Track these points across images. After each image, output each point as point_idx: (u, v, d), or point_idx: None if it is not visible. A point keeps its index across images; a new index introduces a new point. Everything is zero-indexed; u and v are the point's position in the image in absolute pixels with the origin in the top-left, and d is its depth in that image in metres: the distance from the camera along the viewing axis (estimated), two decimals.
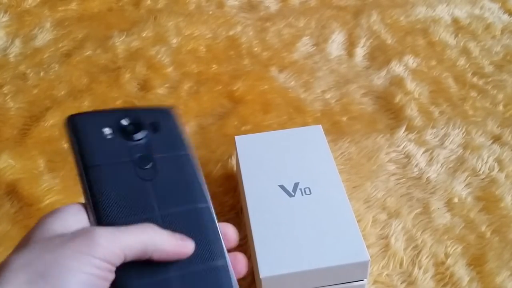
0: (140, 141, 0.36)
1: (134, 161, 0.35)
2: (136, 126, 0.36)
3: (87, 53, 0.99)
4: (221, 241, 0.35)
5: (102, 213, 0.33)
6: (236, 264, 0.36)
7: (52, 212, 0.33)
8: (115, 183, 0.34)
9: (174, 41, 1.01)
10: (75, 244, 0.30)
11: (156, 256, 0.32)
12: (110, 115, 0.36)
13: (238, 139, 0.68)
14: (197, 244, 0.34)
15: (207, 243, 0.34)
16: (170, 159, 0.36)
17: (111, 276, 0.31)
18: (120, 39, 1.02)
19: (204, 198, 0.36)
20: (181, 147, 0.38)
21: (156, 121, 0.37)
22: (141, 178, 0.35)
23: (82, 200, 0.69)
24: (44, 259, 0.29)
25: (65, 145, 0.81)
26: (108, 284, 0.31)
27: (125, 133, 0.36)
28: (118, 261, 0.31)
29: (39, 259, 0.29)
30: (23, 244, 0.31)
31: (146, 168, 0.35)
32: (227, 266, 0.35)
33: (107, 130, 0.35)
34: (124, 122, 0.36)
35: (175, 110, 0.39)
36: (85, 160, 0.34)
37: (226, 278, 0.34)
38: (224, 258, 0.35)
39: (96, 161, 0.34)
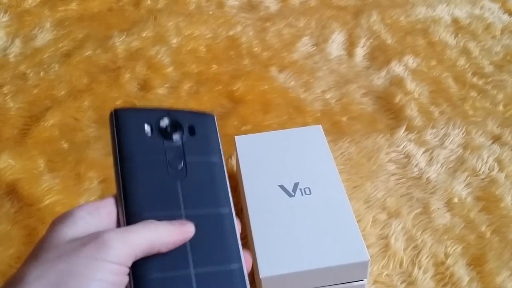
0: (176, 142, 0.38)
1: (167, 159, 0.37)
2: (175, 127, 0.38)
3: (87, 53, 0.99)
4: (238, 245, 0.37)
5: (130, 203, 0.34)
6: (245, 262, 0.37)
7: (61, 217, 0.33)
8: (147, 177, 0.35)
9: (174, 41, 1.01)
10: (87, 250, 0.30)
11: (163, 249, 0.33)
12: (153, 113, 0.38)
13: (238, 139, 0.68)
14: (216, 247, 0.36)
15: (225, 247, 0.36)
16: (201, 163, 0.38)
17: (125, 280, 0.31)
18: (120, 39, 1.02)
19: (228, 204, 0.38)
20: (213, 153, 0.39)
21: (195, 125, 0.39)
22: (171, 176, 0.37)
23: (82, 201, 0.69)
24: (58, 269, 0.29)
25: (65, 145, 0.81)
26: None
27: (164, 133, 0.38)
28: (130, 262, 0.31)
29: (53, 270, 0.29)
30: (36, 253, 0.31)
31: (177, 168, 0.37)
32: (243, 270, 0.36)
33: (147, 127, 0.37)
34: (165, 121, 0.38)
35: (215, 117, 0.41)
36: (121, 151, 0.36)
37: (241, 281, 0.35)
38: (240, 262, 0.36)
39: (131, 154, 0.36)
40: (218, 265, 0.35)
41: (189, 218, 0.36)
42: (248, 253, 0.38)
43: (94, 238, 0.30)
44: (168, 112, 0.39)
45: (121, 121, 0.37)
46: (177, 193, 0.36)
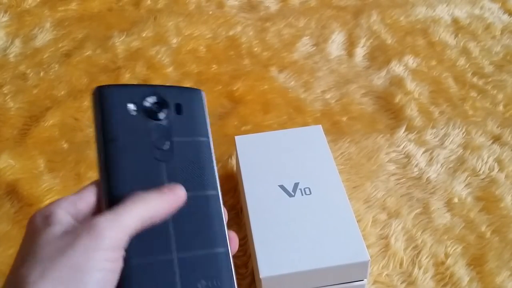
0: (162, 122, 0.36)
1: (152, 140, 0.35)
2: (161, 105, 0.36)
3: (87, 53, 0.99)
4: (224, 228, 0.36)
5: (114, 189, 0.33)
6: (230, 243, 0.36)
7: (42, 216, 0.32)
8: (131, 160, 0.34)
9: (174, 41, 1.01)
10: (82, 241, 0.30)
11: (158, 220, 0.33)
12: (137, 90, 0.36)
13: (238, 139, 0.68)
14: (201, 230, 0.35)
15: (211, 230, 0.35)
16: (188, 143, 0.37)
17: (121, 265, 0.31)
18: (120, 39, 1.02)
19: (214, 185, 0.37)
20: (200, 132, 0.38)
21: (182, 102, 0.37)
22: (156, 158, 0.35)
23: None
24: (58, 264, 0.29)
25: (65, 145, 0.81)
26: (118, 275, 0.31)
27: (149, 112, 0.36)
28: (125, 244, 0.31)
29: (53, 266, 0.29)
30: (30, 252, 0.30)
31: (163, 149, 0.35)
32: (228, 254, 0.35)
33: (131, 106, 0.35)
34: (150, 100, 0.36)
35: (202, 93, 0.39)
36: (105, 133, 0.34)
37: (227, 265, 0.35)
38: (226, 246, 0.35)
39: (115, 135, 0.34)
40: (202, 249, 0.34)
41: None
42: (234, 233, 0.37)
43: (86, 228, 0.30)
44: (154, 90, 0.37)
45: (105, 100, 0.35)
46: (162, 175, 0.35)
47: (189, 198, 0.35)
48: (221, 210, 0.36)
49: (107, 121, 0.35)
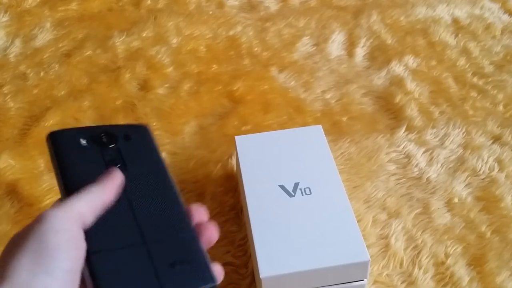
0: (112, 147, 0.40)
1: (105, 161, 0.39)
2: (109, 136, 0.41)
3: (87, 53, 0.99)
4: (184, 215, 0.38)
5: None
6: (206, 231, 0.38)
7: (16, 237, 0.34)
8: (88, 181, 0.37)
9: (174, 41, 1.01)
10: (32, 230, 0.31)
11: (108, 201, 0.35)
12: (87, 130, 0.41)
13: (238, 139, 0.68)
14: (164, 219, 0.38)
15: (172, 216, 0.38)
16: (140, 158, 0.41)
17: (83, 245, 0.32)
18: (120, 39, 1.02)
19: (170, 185, 0.40)
20: (151, 151, 0.42)
21: (129, 133, 0.42)
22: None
23: None
24: (19, 258, 0.30)
25: None
26: (83, 253, 0.32)
27: (99, 142, 0.40)
28: (78, 226, 0.33)
29: (14, 263, 0.30)
30: None
31: (117, 167, 0.39)
32: (194, 236, 0.37)
33: (83, 141, 0.40)
34: (100, 134, 0.41)
35: (149, 128, 0.43)
36: (62, 164, 0.38)
37: (195, 246, 0.37)
38: (189, 229, 0.38)
39: (71, 163, 0.38)
40: (167, 232, 0.37)
41: (136, 205, 0.37)
42: (214, 222, 0.39)
43: (36, 220, 0.32)
44: (101, 127, 0.41)
45: (58, 140, 0.40)
46: None
47: (147, 197, 0.38)
48: (178, 199, 0.39)
49: (62, 155, 0.39)
